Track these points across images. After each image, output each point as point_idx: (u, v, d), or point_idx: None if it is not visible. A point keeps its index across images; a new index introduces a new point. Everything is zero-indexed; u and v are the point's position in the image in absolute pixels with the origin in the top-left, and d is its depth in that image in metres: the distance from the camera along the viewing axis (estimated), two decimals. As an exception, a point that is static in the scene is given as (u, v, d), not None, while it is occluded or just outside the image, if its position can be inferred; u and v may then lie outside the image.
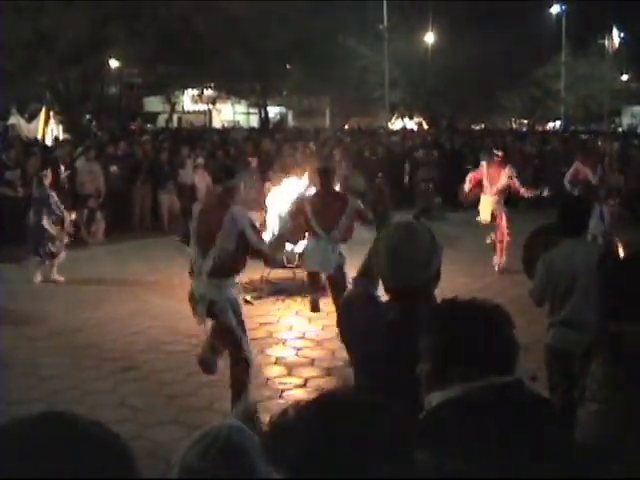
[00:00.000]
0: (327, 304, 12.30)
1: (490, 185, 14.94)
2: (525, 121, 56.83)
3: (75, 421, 1.53)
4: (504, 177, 14.90)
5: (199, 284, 7.71)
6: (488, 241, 14.97)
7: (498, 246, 14.80)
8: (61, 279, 13.95)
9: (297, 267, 13.26)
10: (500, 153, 15.51)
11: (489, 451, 2.40)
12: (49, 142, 26.20)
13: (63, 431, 1.49)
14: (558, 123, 53.78)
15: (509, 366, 2.61)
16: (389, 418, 1.77)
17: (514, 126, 55.65)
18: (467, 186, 15.48)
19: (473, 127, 50.30)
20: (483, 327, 2.61)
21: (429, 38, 46.98)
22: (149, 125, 41.46)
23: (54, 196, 14.10)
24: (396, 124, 50.47)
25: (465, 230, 16.67)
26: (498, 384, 2.53)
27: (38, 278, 13.87)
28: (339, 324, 3.74)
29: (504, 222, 14.81)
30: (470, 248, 16.06)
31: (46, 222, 13.76)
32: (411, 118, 52.74)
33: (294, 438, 1.71)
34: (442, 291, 3.56)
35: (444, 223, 17.68)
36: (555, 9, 51.81)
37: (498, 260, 14.79)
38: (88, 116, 34.98)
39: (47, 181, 14.12)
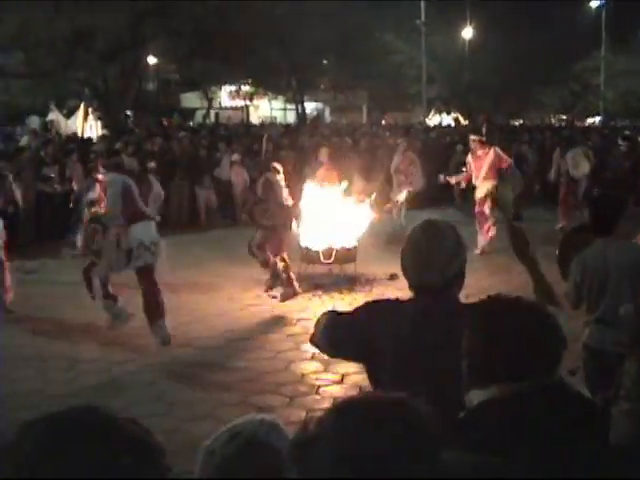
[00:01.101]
0: (365, 300, 12.30)
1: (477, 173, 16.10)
2: (564, 117, 56.37)
3: (107, 416, 1.53)
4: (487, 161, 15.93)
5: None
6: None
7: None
8: None
9: (333, 263, 13.25)
10: (476, 138, 16.44)
11: (529, 451, 2.39)
12: (91, 137, 26.42)
13: (93, 427, 1.49)
14: (598, 119, 53.24)
15: (554, 364, 2.58)
16: (412, 415, 1.76)
17: (552, 121, 55.21)
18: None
19: (511, 123, 49.95)
20: (531, 324, 2.59)
21: (467, 33, 46.72)
22: (190, 123, 41.63)
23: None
24: (433, 119, 50.33)
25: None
26: (541, 385, 2.51)
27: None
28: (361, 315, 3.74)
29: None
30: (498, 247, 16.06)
31: None
32: (448, 113, 52.56)
33: (319, 448, 1.72)
34: (470, 290, 3.57)
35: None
36: (595, 3, 51.26)
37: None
38: (128, 112, 35.19)
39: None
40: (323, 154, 15.82)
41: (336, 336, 3.60)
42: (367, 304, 3.76)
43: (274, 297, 12.27)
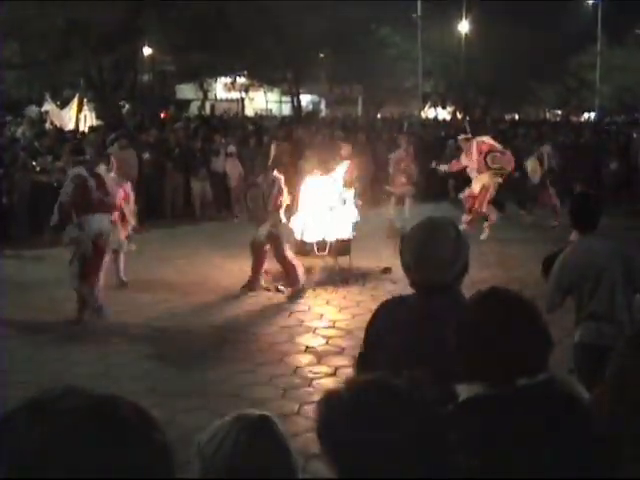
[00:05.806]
0: (359, 293, 12.31)
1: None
2: (559, 112, 56.35)
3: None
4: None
5: None
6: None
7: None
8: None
9: (327, 255, 13.23)
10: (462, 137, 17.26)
11: (508, 451, 2.40)
12: (83, 129, 26.42)
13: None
14: (593, 114, 53.21)
15: (543, 361, 2.58)
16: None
17: (547, 116, 55.20)
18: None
19: (506, 117, 49.94)
20: (520, 320, 2.58)
21: (463, 27, 46.73)
22: (185, 114, 41.58)
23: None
24: (429, 113, 50.36)
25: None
26: (526, 384, 2.51)
27: None
28: (370, 322, 3.69)
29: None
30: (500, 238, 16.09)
31: None
32: (444, 107, 52.56)
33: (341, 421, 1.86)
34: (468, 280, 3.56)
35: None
36: (591, -2, 51.31)
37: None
38: (122, 103, 35.10)
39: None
40: (345, 150, 15.84)
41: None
42: (374, 312, 3.68)
43: (279, 290, 12.34)
